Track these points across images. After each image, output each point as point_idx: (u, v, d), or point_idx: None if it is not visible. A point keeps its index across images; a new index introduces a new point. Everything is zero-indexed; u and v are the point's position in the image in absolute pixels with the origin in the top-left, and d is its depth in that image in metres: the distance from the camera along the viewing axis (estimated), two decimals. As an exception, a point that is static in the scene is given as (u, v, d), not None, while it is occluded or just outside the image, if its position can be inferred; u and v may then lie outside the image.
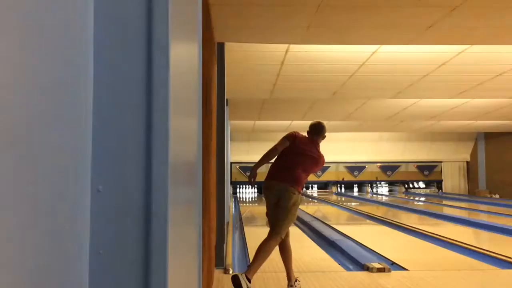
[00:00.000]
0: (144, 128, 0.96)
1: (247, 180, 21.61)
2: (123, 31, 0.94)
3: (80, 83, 0.83)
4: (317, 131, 5.00)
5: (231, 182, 21.57)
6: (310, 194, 23.39)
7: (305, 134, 5.03)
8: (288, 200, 4.64)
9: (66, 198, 0.76)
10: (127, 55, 0.94)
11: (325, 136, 5.06)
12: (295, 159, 4.82)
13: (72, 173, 0.79)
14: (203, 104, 2.27)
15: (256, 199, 21.17)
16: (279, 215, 4.66)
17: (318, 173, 23.53)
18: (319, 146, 5.05)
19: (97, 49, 0.90)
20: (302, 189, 4.89)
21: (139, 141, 0.95)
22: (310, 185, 24.59)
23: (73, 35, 0.80)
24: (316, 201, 19.44)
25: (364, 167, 23.87)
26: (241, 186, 23.40)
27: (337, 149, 22.66)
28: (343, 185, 24.46)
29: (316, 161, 4.91)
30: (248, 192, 23.66)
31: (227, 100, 9.95)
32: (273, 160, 4.91)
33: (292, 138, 4.92)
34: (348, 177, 24.01)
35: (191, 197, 1.40)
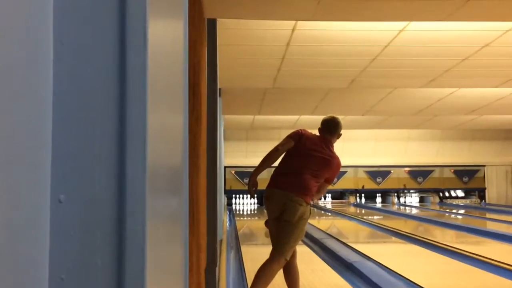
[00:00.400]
0: (116, 125, 0.94)
1: (245, 188, 20.72)
2: (90, 3, 0.92)
3: (36, 68, 0.81)
4: (331, 128, 4.99)
5: (225, 191, 21.49)
6: (322, 205, 23.27)
7: (316, 132, 5.03)
8: (294, 213, 4.63)
9: (20, 210, 0.75)
10: (94, 33, 0.92)
11: (340, 135, 5.09)
12: (301, 162, 4.81)
13: (27, 179, 0.77)
14: (190, 95, 2.26)
15: (256, 211, 21.15)
16: (283, 232, 4.64)
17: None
18: (333, 147, 5.06)
19: (57, 25, 0.87)
20: (312, 200, 4.90)
21: (110, 140, 0.93)
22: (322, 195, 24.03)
23: (27, 5, 0.79)
24: (330, 214, 19.39)
25: (389, 172, 23.83)
26: (237, 195, 23.38)
27: (355, 150, 22.45)
28: (363, 195, 24.35)
29: (328, 163, 4.88)
30: (246, 203, 23.53)
31: (220, 89, 10.09)
32: (276, 164, 4.95)
33: (297, 136, 4.92)
34: (369, 185, 23.86)
35: (175, 209, 1.38)
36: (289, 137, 4.95)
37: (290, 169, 4.81)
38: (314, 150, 4.87)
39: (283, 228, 4.65)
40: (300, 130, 5.03)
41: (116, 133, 0.94)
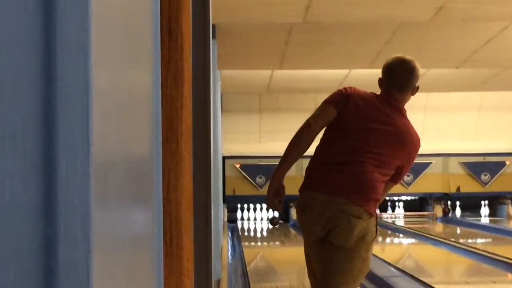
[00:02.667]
0: (39, 88, 0.70)
1: (259, 193, 14.39)
2: None
3: None
4: (402, 77, 3.37)
5: (226, 198, 14.56)
6: (389, 221, 15.80)
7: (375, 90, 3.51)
8: (350, 233, 3.19)
9: None
10: None
11: (417, 88, 3.44)
12: (354, 143, 3.32)
13: None
14: (164, 39, 1.88)
15: (278, 230, 13.91)
16: (332, 263, 3.24)
17: (406, 177, 14.23)
18: (405, 111, 3.42)
19: None
20: (376, 209, 3.41)
21: (30, 114, 0.69)
22: (389, 203, 16.17)
23: None
24: (401, 235, 13.35)
25: (503, 164, 15.74)
26: (245, 205, 15.72)
27: (444, 128, 15.25)
28: (457, 203, 16.26)
29: (401, 141, 3.34)
30: (261, 219, 15.74)
31: (214, 27, 6.65)
32: (311, 151, 3.39)
33: (342, 99, 3.35)
34: (469, 185, 15.76)
35: (141, 229, 1.15)
36: (328, 102, 3.37)
37: (337, 157, 3.31)
38: (373, 120, 3.34)
39: (332, 258, 3.21)
40: (346, 88, 3.43)
41: (39, 102, 0.69)
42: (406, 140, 3.37)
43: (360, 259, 3.26)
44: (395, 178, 3.44)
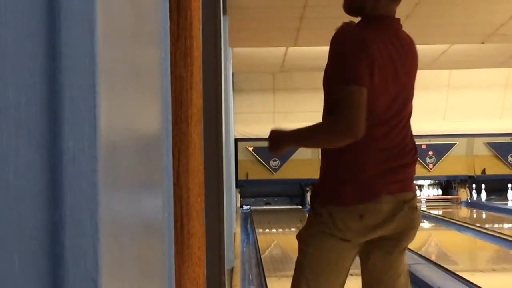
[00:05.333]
0: (42, 63, 0.68)
1: (273, 177, 14.76)
2: None
3: None
4: None
5: (238, 183, 14.17)
6: None
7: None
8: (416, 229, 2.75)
9: None
10: None
11: None
12: (396, 117, 2.58)
13: None
14: (173, 15, 1.86)
15: (293, 216, 13.11)
16: (402, 266, 2.73)
17: (428, 161, 15.14)
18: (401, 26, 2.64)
19: None
20: None
21: (33, 90, 0.68)
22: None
23: None
24: (424, 221, 11.99)
25: None
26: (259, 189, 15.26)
27: (468, 106, 14.70)
28: (483, 186, 15.54)
29: (415, 65, 2.69)
30: (276, 200, 15.27)
31: (224, 2, 6.51)
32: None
33: (367, 68, 2.44)
34: (495, 167, 15.23)
35: (151, 216, 1.13)
36: (349, 82, 2.46)
37: (389, 141, 2.58)
38: (402, 74, 2.57)
39: (399, 263, 2.70)
40: (363, 41, 2.49)
41: (43, 78, 0.67)
42: (416, 59, 2.71)
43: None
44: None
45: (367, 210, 2.59)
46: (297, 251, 2.76)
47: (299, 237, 2.72)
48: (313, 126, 2.63)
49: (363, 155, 2.59)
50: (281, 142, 2.80)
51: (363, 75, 2.46)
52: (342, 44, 2.55)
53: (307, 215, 2.73)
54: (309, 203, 2.71)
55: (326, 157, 2.72)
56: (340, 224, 2.59)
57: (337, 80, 2.51)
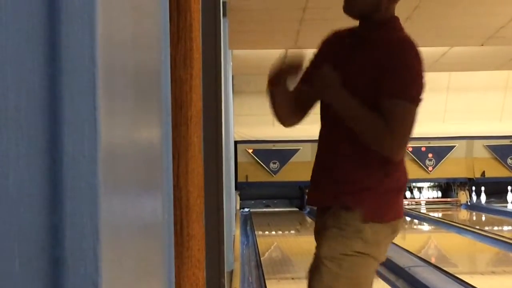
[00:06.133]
0: (42, 64, 0.68)
1: (273, 179, 15.01)
2: None
3: None
4: None
5: (238, 185, 14.21)
6: (410, 207, 15.00)
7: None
8: None
9: None
10: None
11: None
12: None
13: None
14: (173, 15, 1.84)
15: (293, 219, 13.57)
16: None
17: (428, 163, 15.28)
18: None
19: None
20: None
21: (34, 91, 0.67)
22: (410, 187, 15.46)
23: None
24: (424, 223, 13.01)
25: None
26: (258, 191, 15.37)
27: (468, 109, 14.69)
28: (482, 188, 15.55)
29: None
30: (276, 203, 15.49)
31: (224, 4, 6.49)
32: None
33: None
34: (495, 169, 15.24)
35: (150, 218, 1.12)
36: (414, 101, 2.40)
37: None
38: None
39: None
40: (422, 57, 2.45)
41: (43, 79, 0.66)
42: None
43: None
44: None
45: (398, 227, 2.46)
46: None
47: (326, 255, 2.37)
48: (373, 115, 2.35)
49: (397, 165, 2.46)
50: (332, 90, 2.45)
51: (422, 97, 2.41)
52: (414, 58, 2.41)
53: (330, 230, 2.40)
54: (333, 217, 2.39)
55: (356, 156, 2.42)
56: (382, 243, 2.39)
57: (398, 91, 2.36)
